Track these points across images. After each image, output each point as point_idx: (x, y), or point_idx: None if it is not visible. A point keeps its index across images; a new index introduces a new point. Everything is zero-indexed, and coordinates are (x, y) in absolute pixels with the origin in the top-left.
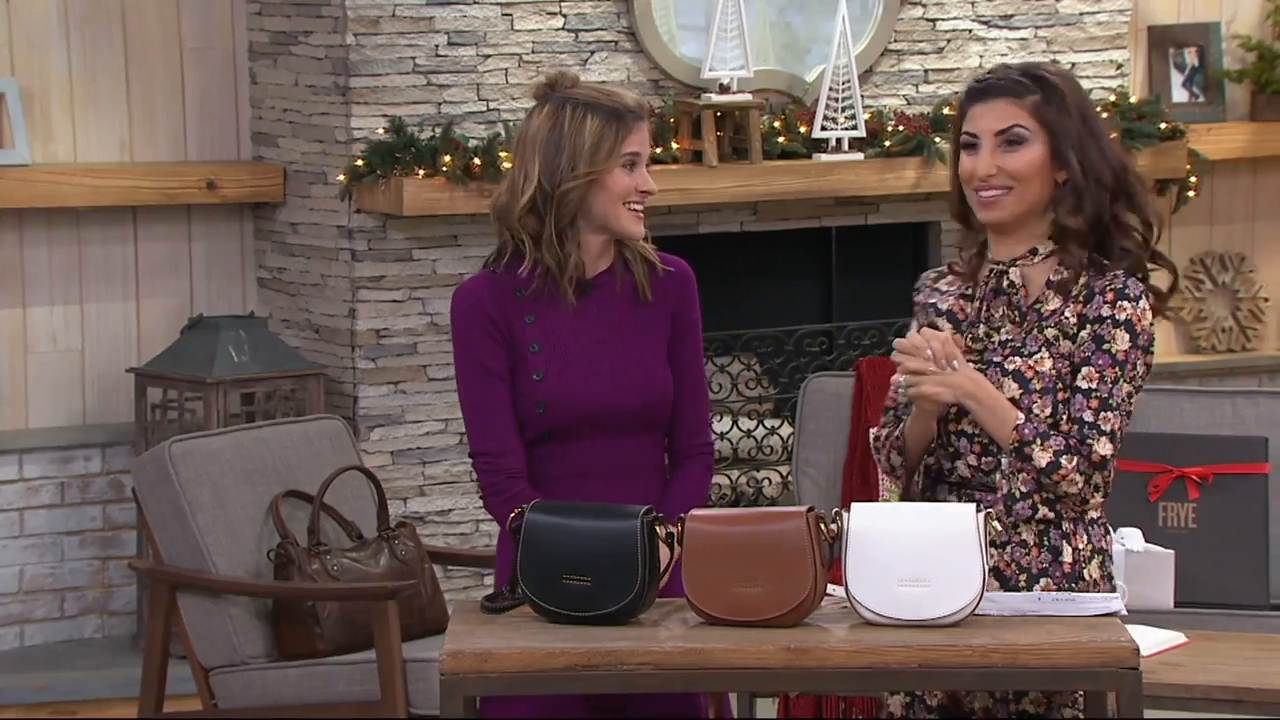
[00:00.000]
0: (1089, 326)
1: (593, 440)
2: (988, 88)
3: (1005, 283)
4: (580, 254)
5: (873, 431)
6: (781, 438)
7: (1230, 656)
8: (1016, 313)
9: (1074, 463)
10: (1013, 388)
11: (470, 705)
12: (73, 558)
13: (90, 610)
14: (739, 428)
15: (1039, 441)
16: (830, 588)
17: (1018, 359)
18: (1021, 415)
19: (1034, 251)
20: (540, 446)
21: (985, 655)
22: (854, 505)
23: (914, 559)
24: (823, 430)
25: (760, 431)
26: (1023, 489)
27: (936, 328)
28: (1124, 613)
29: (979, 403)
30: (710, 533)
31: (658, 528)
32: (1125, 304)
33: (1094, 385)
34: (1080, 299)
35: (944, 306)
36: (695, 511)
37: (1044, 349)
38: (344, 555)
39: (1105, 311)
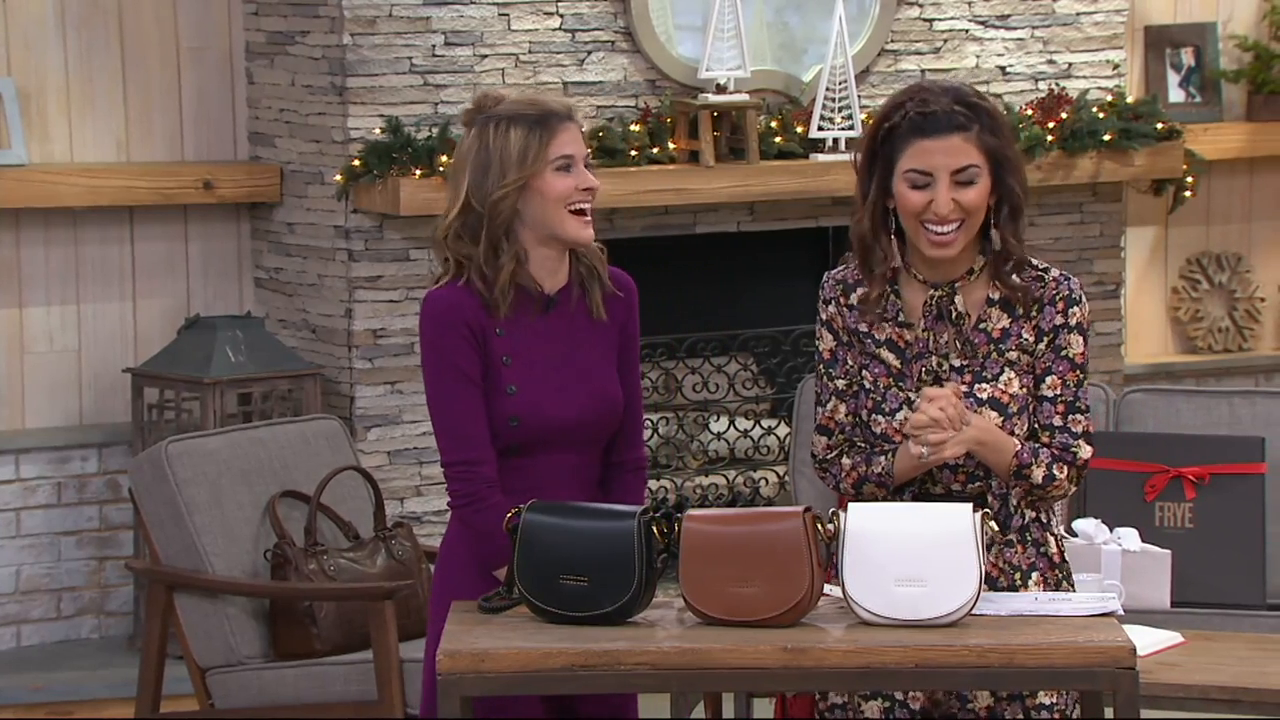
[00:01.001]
0: (1045, 338)
1: (552, 455)
2: (933, 121)
3: (953, 313)
4: (522, 269)
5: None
6: (778, 438)
7: (1227, 656)
8: (963, 337)
9: (1065, 472)
10: (994, 417)
11: (467, 705)
12: (69, 558)
13: (87, 610)
14: (736, 428)
15: (1035, 461)
16: (827, 587)
17: (986, 385)
18: (1016, 442)
19: (970, 272)
20: (503, 460)
21: (982, 655)
22: (851, 505)
23: (911, 559)
24: None
25: (757, 431)
26: (1014, 502)
27: (881, 359)
28: (1121, 612)
29: (985, 445)
30: (707, 533)
31: (654, 527)
32: (1075, 309)
33: (1059, 392)
34: (1032, 314)
35: (882, 337)
36: (692, 511)
37: (1007, 369)
38: (341, 555)
39: (1059, 320)
